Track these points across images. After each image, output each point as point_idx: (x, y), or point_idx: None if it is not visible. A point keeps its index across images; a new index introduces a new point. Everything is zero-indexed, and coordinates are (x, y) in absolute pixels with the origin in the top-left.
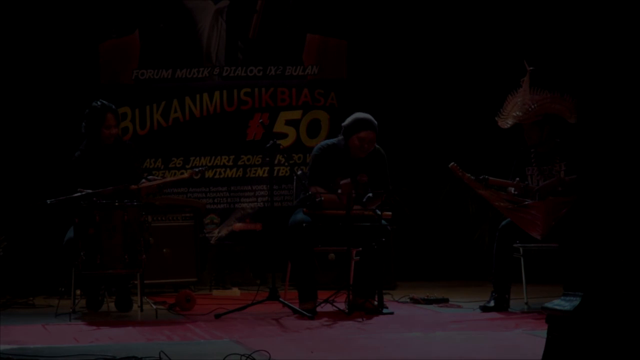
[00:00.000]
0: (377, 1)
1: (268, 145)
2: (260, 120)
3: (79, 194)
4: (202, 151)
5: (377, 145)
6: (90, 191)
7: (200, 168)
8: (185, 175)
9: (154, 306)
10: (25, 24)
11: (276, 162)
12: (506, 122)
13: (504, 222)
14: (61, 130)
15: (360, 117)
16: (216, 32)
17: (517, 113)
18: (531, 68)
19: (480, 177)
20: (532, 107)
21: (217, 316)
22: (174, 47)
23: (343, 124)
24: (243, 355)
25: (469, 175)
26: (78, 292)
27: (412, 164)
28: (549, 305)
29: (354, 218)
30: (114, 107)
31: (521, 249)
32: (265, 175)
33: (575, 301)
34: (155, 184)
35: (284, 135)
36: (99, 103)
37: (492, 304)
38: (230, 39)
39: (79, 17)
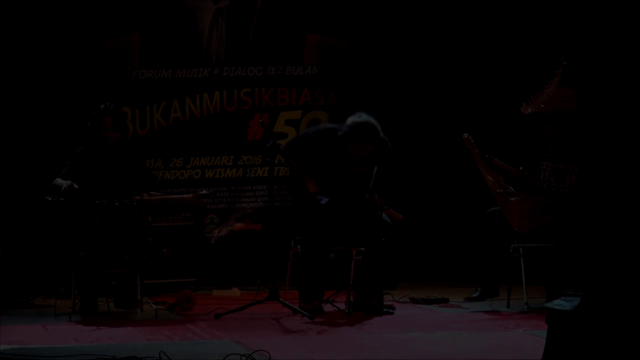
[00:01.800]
0: (377, 1)
1: (268, 145)
2: (260, 120)
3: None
4: (202, 151)
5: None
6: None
7: (205, 191)
8: (188, 196)
9: (154, 306)
10: (26, 24)
11: (276, 162)
12: (528, 108)
13: (490, 209)
14: (61, 130)
15: (358, 126)
16: (216, 32)
17: (541, 105)
18: (565, 62)
19: (487, 156)
20: (555, 102)
21: (217, 316)
22: (174, 47)
23: (347, 123)
24: (243, 355)
25: (478, 150)
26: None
27: (413, 164)
28: (549, 305)
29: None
30: (116, 110)
31: (521, 249)
32: (265, 175)
33: (575, 301)
34: (157, 199)
35: (284, 135)
36: (102, 105)
37: (476, 294)
38: (230, 39)
39: (79, 17)
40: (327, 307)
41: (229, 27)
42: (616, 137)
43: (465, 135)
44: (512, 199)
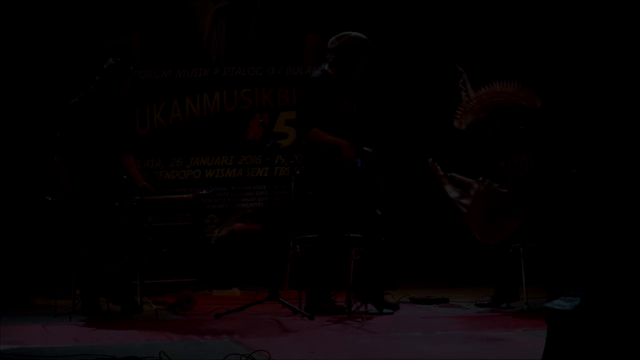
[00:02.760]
0: (376, 1)
1: (268, 145)
2: (261, 120)
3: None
4: (202, 151)
5: None
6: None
7: (205, 191)
8: (189, 196)
9: (154, 306)
10: (26, 24)
11: (276, 162)
12: (459, 123)
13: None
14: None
15: (363, 40)
16: (216, 32)
17: (466, 115)
18: (461, 69)
19: (448, 174)
20: (476, 107)
21: (217, 316)
22: (174, 47)
23: (341, 45)
24: (243, 355)
25: (442, 173)
26: (78, 292)
27: (412, 164)
28: (549, 305)
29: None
30: (132, 68)
31: (521, 249)
32: (265, 175)
33: (575, 301)
34: (158, 199)
35: (284, 135)
36: (114, 62)
37: (486, 301)
38: (230, 39)
39: (79, 17)
40: None
41: (229, 27)
42: (614, 138)
43: (430, 160)
44: (466, 210)
